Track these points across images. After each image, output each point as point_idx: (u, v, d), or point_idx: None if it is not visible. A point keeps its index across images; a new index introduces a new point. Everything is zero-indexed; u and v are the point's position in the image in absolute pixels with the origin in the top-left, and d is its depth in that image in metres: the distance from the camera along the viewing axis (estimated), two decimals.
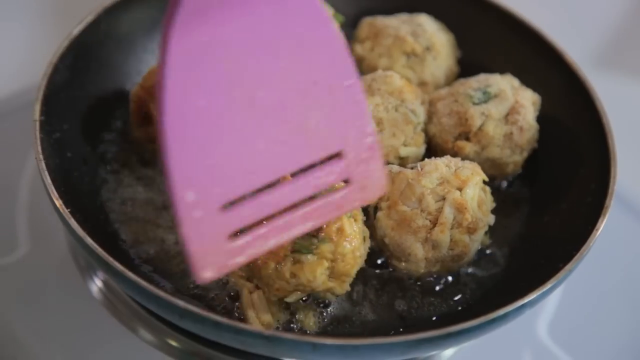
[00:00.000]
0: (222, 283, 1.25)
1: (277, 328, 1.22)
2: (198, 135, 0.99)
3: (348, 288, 1.21)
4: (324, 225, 1.16)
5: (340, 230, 1.17)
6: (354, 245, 1.18)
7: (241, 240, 1.05)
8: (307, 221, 1.09)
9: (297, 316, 1.23)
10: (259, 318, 1.20)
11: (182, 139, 0.98)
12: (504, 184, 1.44)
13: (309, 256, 1.15)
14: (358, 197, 1.10)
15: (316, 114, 1.04)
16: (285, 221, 1.08)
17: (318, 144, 1.05)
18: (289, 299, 1.20)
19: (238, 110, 1.01)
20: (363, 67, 1.50)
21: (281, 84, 1.02)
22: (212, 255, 1.03)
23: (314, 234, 1.16)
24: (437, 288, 1.30)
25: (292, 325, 1.23)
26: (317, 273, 1.16)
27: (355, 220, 1.20)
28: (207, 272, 1.03)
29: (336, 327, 1.24)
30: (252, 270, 1.19)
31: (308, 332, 1.23)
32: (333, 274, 1.18)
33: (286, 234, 1.08)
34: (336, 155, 1.07)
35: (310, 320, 1.23)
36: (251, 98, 1.00)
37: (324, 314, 1.25)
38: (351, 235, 1.17)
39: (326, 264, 1.16)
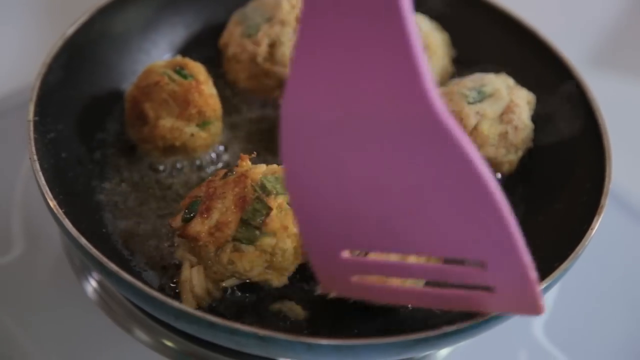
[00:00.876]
0: None
1: (212, 306, 1.22)
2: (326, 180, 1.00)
3: (286, 281, 1.22)
4: (267, 219, 1.17)
5: (284, 227, 1.17)
6: (297, 242, 1.19)
7: (361, 281, 1.09)
8: (435, 298, 1.11)
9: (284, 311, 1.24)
10: (192, 292, 1.20)
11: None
12: (499, 183, 1.44)
13: (249, 247, 1.16)
14: (504, 305, 1.08)
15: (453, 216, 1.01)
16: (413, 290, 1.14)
17: (453, 243, 1.02)
18: (225, 284, 1.21)
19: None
20: None
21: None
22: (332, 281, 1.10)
23: (257, 226, 1.16)
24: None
25: (283, 320, 1.23)
26: (254, 264, 1.17)
27: None
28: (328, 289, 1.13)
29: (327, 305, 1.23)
30: (194, 250, 1.20)
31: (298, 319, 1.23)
32: (271, 266, 1.19)
33: (405, 298, 1.15)
34: (478, 264, 1.03)
35: (297, 309, 1.23)
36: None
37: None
38: (296, 233, 1.18)
39: (265, 257, 1.18)
